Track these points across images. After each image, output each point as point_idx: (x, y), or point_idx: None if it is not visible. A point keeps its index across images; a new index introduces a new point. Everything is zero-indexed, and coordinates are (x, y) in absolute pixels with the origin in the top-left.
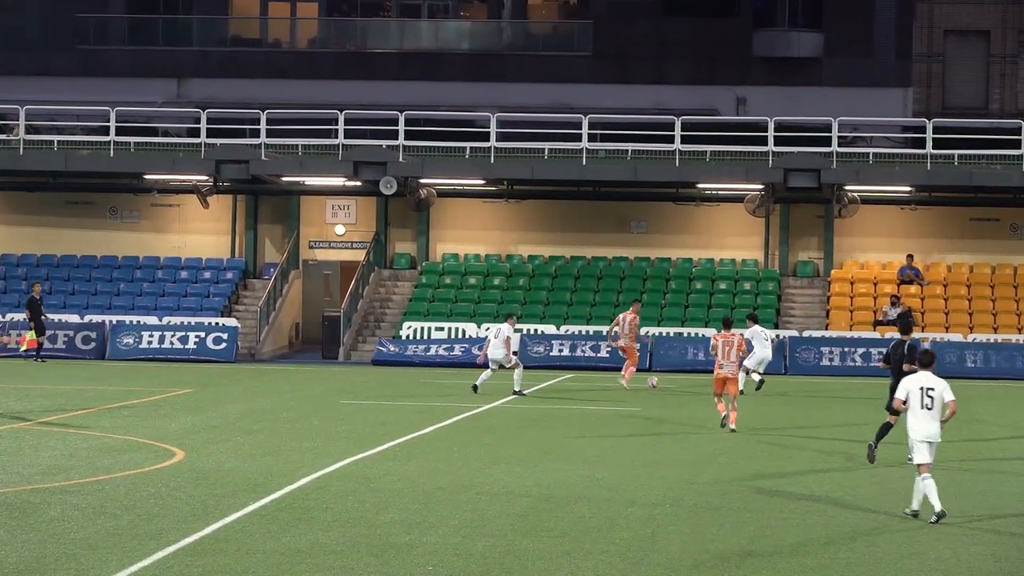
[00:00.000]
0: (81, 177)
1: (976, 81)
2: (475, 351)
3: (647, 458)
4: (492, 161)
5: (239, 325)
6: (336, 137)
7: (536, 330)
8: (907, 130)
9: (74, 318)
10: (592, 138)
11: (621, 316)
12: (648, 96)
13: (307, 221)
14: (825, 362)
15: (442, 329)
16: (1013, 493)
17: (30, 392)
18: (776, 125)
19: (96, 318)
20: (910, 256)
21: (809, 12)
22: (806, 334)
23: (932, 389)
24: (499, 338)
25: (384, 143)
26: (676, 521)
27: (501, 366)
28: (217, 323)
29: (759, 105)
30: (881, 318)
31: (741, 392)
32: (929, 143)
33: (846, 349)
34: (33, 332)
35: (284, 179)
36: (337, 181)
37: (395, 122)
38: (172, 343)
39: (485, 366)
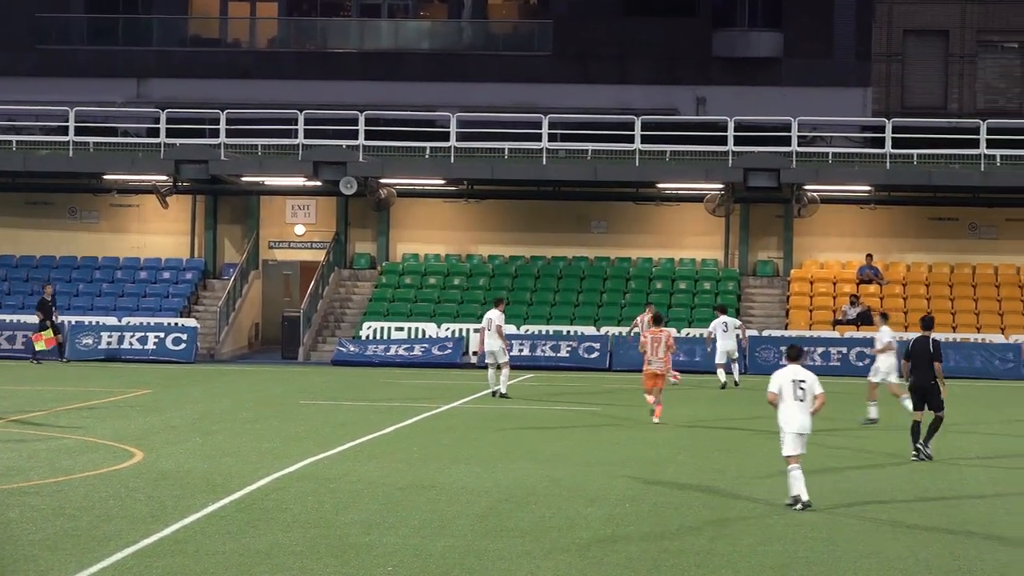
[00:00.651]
0: (40, 177)
1: (935, 81)
2: (435, 351)
3: (607, 458)
4: (452, 161)
5: (198, 325)
6: (296, 137)
7: None
8: (866, 130)
9: (33, 319)
10: (552, 138)
11: (639, 318)
12: (608, 96)
13: (267, 221)
14: (785, 361)
15: (402, 329)
16: (971, 492)
17: None
18: (736, 125)
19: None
20: (869, 256)
21: (769, 12)
22: (766, 333)
23: (803, 382)
24: (492, 329)
25: (344, 143)
26: (636, 521)
27: (496, 361)
28: (176, 323)
29: (719, 105)
30: (840, 317)
31: (723, 386)
32: (888, 143)
33: (805, 348)
34: (50, 331)
35: (244, 179)
36: (297, 181)
37: (355, 122)
38: (131, 344)
39: (484, 366)
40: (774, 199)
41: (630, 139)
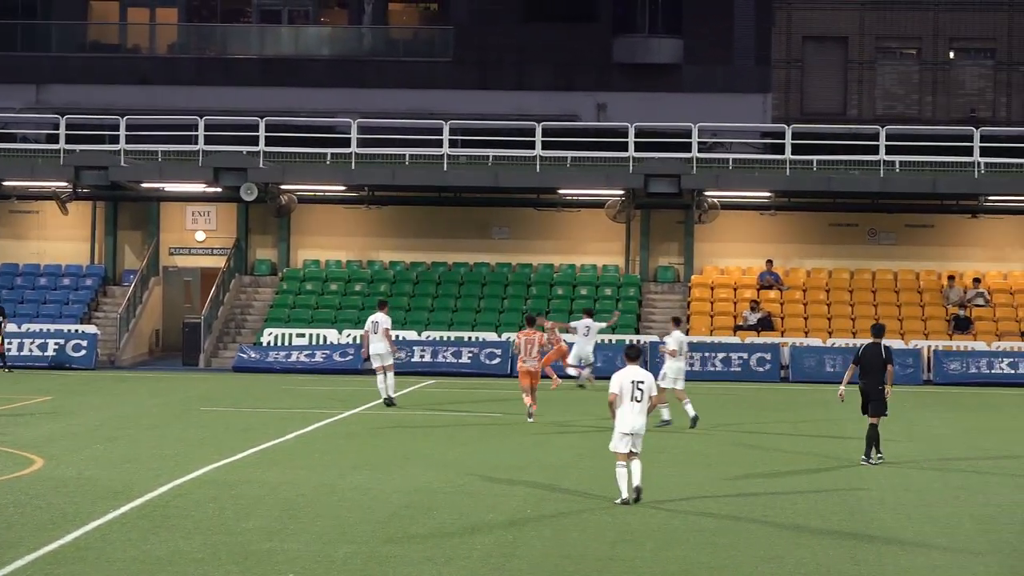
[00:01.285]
0: None
1: (834, 87)
2: (337, 357)
3: (509, 463)
4: (353, 167)
5: (99, 332)
6: (196, 143)
7: (397, 336)
8: (766, 136)
9: None
10: (453, 144)
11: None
12: (509, 102)
13: (167, 227)
14: (685, 367)
15: (303, 335)
16: (871, 497)
17: None
18: (636, 131)
19: None
20: (769, 261)
21: (669, 18)
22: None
23: (642, 383)
24: (379, 332)
25: (244, 149)
26: (538, 527)
27: (383, 364)
28: (77, 330)
29: (619, 111)
30: (741, 323)
31: (582, 386)
32: (788, 149)
33: (706, 354)
34: None
35: (144, 185)
36: (197, 187)
37: (256, 128)
38: (31, 350)
39: (371, 371)
40: (675, 205)
41: (531, 145)
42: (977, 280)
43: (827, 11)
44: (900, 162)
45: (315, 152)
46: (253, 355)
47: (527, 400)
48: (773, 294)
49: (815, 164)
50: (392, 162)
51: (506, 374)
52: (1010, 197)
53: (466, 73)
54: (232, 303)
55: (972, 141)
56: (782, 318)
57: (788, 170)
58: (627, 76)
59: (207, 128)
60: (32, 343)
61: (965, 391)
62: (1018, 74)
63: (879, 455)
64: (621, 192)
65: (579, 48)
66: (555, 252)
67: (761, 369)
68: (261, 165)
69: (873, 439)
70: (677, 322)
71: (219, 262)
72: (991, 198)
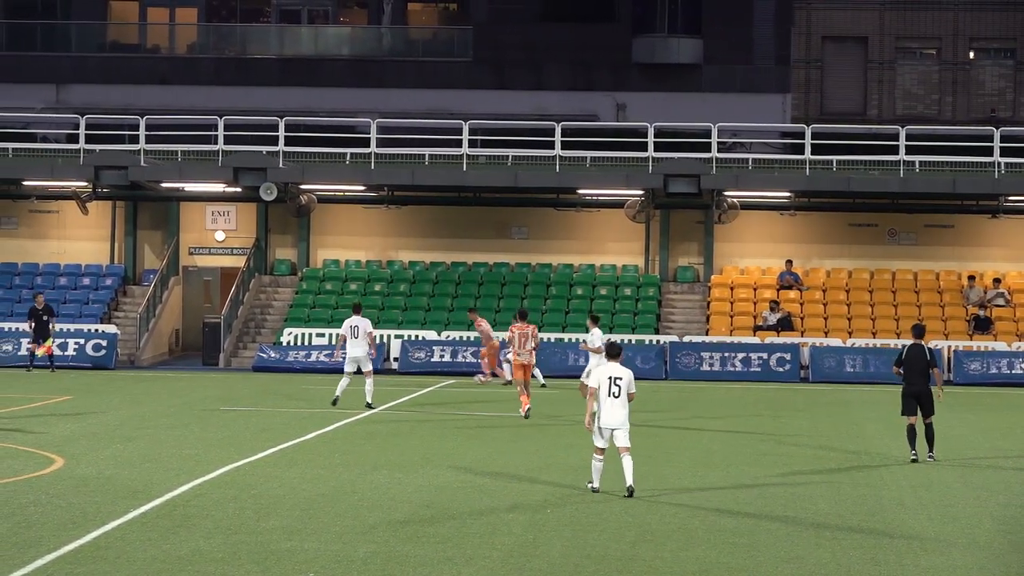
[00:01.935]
0: None
1: (854, 87)
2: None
3: (529, 464)
4: (372, 167)
5: (119, 332)
6: (216, 143)
7: (417, 336)
8: (786, 136)
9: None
10: (472, 144)
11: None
12: (528, 102)
13: (187, 227)
14: (705, 367)
15: (323, 335)
16: (891, 497)
17: None
18: (656, 131)
19: None
20: (789, 261)
21: (688, 18)
22: (686, 339)
23: (620, 379)
24: (361, 336)
25: (264, 149)
26: (558, 527)
27: (359, 369)
28: (96, 330)
29: (639, 111)
30: (761, 323)
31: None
32: (808, 149)
33: (726, 354)
34: (49, 340)
35: (164, 185)
36: (217, 187)
37: (275, 128)
38: (52, 350)
39: (341, 370)
40: (694, 205)
41: (550, 145)
42: (997, 280)
43: (847, 11)
44: (920, 162)
45: (335, 152)
46: (273, 355)
47: (523, 399)
48: (793, 294)
49: (835, 164)
50: (411, 162)
51: None
52: None
53: (485, 73)
54: (252, 303)
55: (992, 141)
56: (802, 318)
57: (808, 170)
58: (647, 76)
59: (227, 128)
60: (52, 343)
61: (985, 391)
62: None
63: (914, 453)
64: (640, 192)
65: (599, 48)
66: (574, 252)
67: (781, 369)
68: (281, 165)
69: (930, 437)
70: (596, 320)
71: (239, 262)
72: (1011, 198)
